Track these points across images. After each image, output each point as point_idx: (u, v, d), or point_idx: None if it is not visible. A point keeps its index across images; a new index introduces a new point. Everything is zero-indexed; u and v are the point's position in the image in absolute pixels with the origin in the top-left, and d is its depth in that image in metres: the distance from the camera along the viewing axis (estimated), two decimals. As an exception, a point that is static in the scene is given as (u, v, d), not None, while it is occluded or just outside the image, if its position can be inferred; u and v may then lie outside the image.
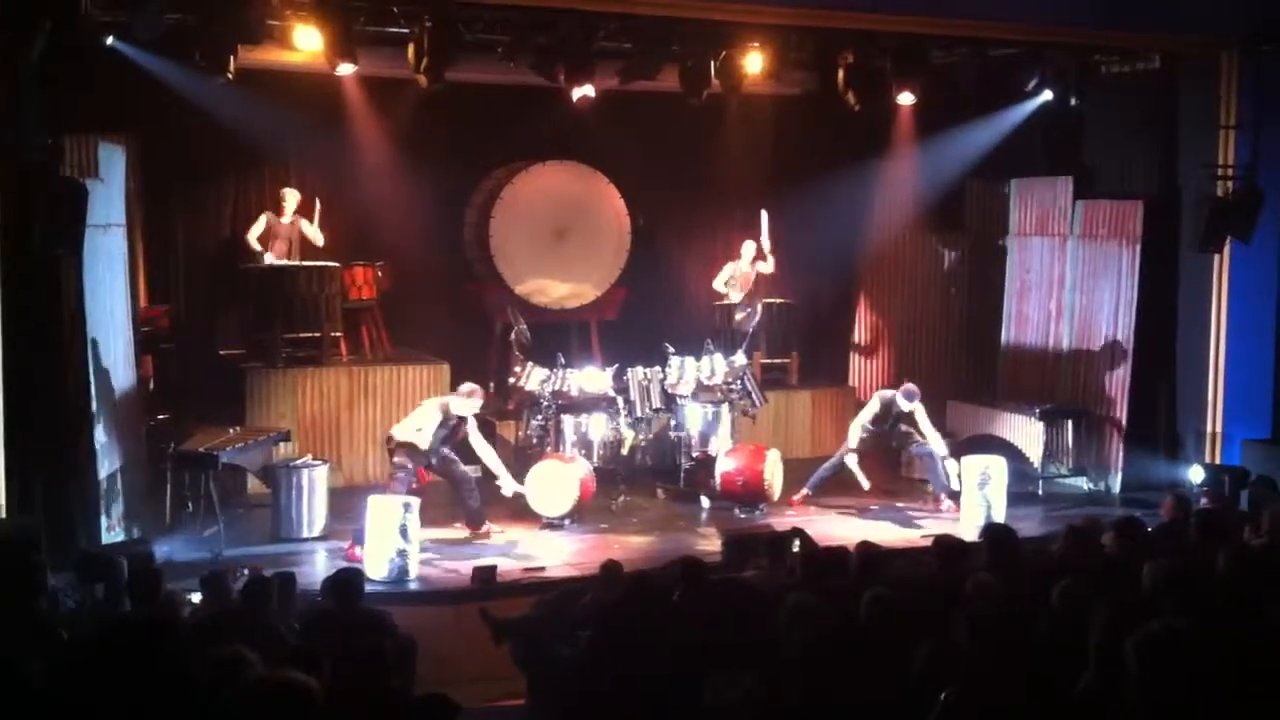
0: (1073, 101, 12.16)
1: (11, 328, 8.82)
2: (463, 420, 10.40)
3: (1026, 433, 12.33)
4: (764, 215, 13.40)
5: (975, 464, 10.95)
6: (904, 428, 11.53)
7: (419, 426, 10.22)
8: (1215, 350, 12.22)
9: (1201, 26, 11.55)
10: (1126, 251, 12.37)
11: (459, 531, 10.50)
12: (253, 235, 12.52)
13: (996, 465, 10.93)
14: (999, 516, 10.48)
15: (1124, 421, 12.34)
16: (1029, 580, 6.26)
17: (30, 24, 8.81)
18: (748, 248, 13.53)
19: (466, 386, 10.55)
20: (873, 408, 11.57)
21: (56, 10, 8.92)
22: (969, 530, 9.97)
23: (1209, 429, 12.24)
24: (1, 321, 8.76)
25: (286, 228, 12.56)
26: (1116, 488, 12.35)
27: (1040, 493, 12.11)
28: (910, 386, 11.44)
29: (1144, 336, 12.31)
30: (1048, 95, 12.15)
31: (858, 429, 11.58)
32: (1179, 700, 4.13)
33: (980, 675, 4.61)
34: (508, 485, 10.54)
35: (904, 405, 11.37)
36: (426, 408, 10.37)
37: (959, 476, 11.08)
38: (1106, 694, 4.48)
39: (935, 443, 11.46)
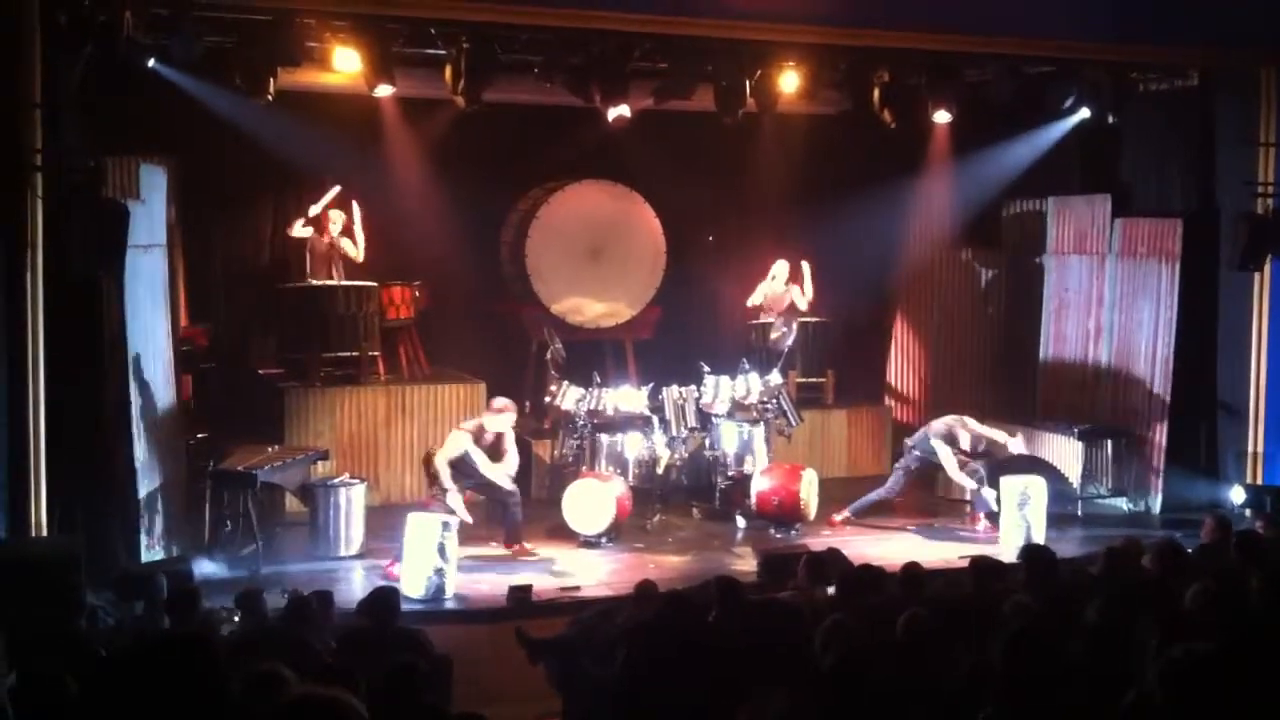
0: (1110, 119, 12.09)
1: (53, 347, 8.92)
2: (500, 436, 10.43)
3: (1065, 453, 12.25)
4: (805, 267, 13.42)
5: (1014, 484, 10.88)
6: (981, 448, 11.40)
7: (451, 456, 10.19)
8: (1256, 369, 12.10)
9: (1240, 43, 11.47)
10: (1166, 270, 12.28)
11: (496, 550, 10.52)
12: (294, 231, 12.56)
13: (1036, 486, 10.86)
14: (1038, 537, 10.42)
15: (1164, 441, 12.22)
16: (1067, 601, 6.21)
17: (72, 47, 8.94)
18: (779, 268, 13.52)
19: (499, 401, 10.61)
20: (948, 451, 11.31)
21: (98, 34, 9.04)
22: (1008, 551, 9.89)
23: (1250, 449, 12.11)
24: (44, 341, 8.86)
25: (327, 249, 12.63)
26: (1157, 508, 12.24)
27: (1080, 513, 12.01)
28: (937, 426, 11.38)
29: (1184, 356, 12.21)
30: (1085, 112, 12.09)
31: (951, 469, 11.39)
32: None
33: (1017, 697, 4.57)
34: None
35: (964, 439, 11.28)
36: (457, 439, 10.30)
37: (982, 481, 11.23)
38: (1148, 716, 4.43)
39: (1010, 444, 11.36)
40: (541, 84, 11.28)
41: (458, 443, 10.24)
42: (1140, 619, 5.40)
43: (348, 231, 12.64)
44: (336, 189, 12.56)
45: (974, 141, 13.08)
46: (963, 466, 11.30)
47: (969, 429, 11.31)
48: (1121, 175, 13.20)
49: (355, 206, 12.62)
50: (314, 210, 12.51)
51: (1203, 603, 5.72)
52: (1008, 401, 13.81)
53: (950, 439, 11.28)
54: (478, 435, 10.35)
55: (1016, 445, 11.45)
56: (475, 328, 13.92)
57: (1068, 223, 13.21)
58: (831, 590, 7.44)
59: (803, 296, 13.44)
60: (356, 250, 12.63)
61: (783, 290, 13.53)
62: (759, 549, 10.41)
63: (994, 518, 11.12)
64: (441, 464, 10.16)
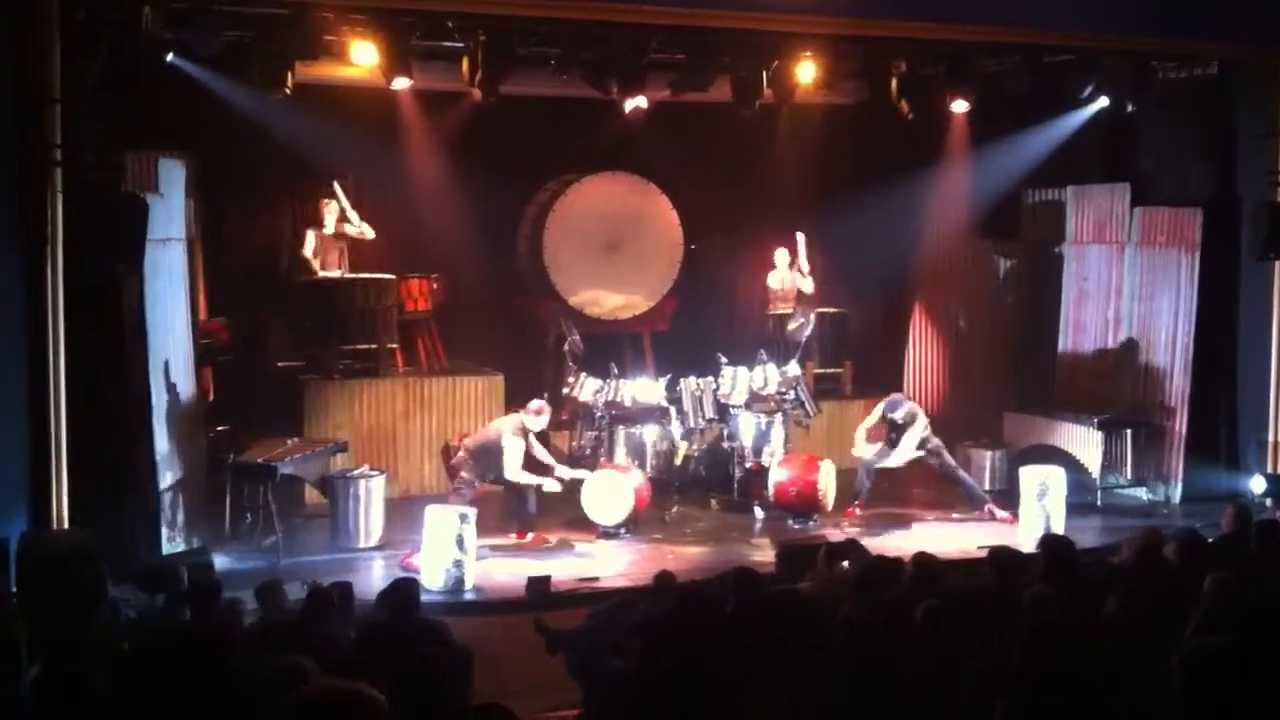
0: (1129, 107, 12.03)
1: (74, 341, 8.96)
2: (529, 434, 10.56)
3: (1085, 443, 12.21)
4: (800, 237, 13.43)
5: (1034, 474, 10.86)
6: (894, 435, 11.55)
7: (516, 461, 10.36)
8: (1276, 359, 12.03)
9: (1260, 33, 11.39)
10: (1185, 259, 12.22)
11: (514, 541, 10.55)
12: (307, 250, 12.62)
13: (1055, 476, 10.84)
14: (1058, 527, 10.40)
15: (1184, 431, 12.18)
16: (1087, 592, 6.20)
17: (92, 42, 8.98)
18: (780, 256, 13.54)
19: (535, 404, 10.69)
20: (874, 416, 11.65)
21: (117, 28, 9.08)
22: (1027, 541, 9.88)
23: (1270, 438, 12.05)
24: (65, 335, 8.90)
25: (332, 239, 12.65)
26: (1177, 498, 12.20)
27: (1099, 503, 11.97)
28: (892, 397, 11.62)
29: (1204, 345, 12.16)
30: (1103, 101, 12.03)
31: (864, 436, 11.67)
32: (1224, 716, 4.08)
33: (1035, 689, 4.57)
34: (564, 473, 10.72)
35: (892, 415, 11.45)
36: (512, 445, 10.40)
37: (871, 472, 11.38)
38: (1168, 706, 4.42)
39: (902, 452, 11.41)
40: (558, 76, 11.26)
41: (517, 448, 10.38)
42: (1161, 610, 5.40)
43: (344, 218, 12.64)
44: (337, 188, 12.58)
45: (992, 131, 13.02)
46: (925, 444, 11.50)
47: (916, 421, 11.40)
48: (1141, 164, 13.12)
49: (338, 189, 12.60)
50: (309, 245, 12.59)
51: (1222, 593, 5.70)
52: (1026, 392, 13.78)
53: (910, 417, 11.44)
54: (525, 437, 10.48)
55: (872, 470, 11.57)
56: (493, 320, 13.95)
57: (1087, 212, 13.16)
58: (846, 564, 7.48)
59: (804, 279, 13.45)
60: (359, 228, 12.61)
61: (789, 277, 13.55)
62: (777, 540, 10.42)
63: (982, 504, 11.31)
64: (513, 470, 10.32)
